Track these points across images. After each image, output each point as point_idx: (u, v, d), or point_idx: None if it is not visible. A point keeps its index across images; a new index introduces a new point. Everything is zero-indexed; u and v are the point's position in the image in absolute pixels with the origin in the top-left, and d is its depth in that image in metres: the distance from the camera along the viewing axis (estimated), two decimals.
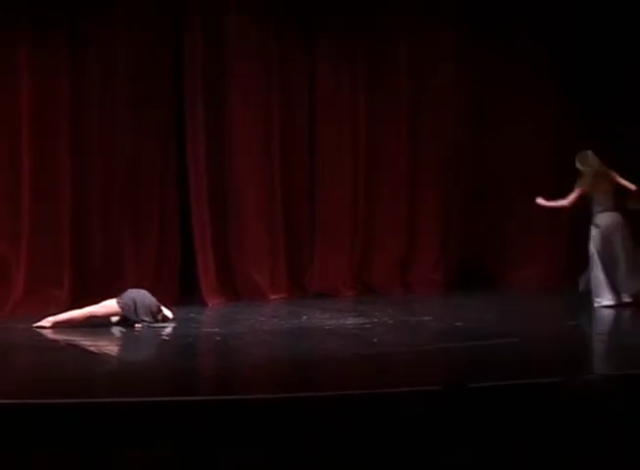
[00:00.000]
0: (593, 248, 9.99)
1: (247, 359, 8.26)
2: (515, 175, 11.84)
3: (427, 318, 9.74)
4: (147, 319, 9.22)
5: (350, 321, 9.50)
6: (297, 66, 11.29)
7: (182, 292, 10.80)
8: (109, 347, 8.92)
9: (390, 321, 9.50)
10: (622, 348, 8.43)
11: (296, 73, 11.29)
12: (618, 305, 9.84)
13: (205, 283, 10.81)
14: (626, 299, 9.91)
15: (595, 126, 11.52)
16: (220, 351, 8.65)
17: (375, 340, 8.58)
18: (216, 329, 9.39)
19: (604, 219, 9.98)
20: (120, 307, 9.24)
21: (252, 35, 11.00)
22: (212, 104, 10.90)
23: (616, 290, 9.91)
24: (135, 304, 9.23)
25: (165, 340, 9.05)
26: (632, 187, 9.91)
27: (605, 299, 9.91)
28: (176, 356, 8.28)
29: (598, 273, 9.96)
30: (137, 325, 9.18)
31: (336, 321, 9.51)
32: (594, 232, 10.01)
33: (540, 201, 10.14)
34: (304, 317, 9.79)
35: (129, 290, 9.45)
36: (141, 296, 9.33)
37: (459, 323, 9.25)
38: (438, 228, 11.75)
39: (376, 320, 9.51)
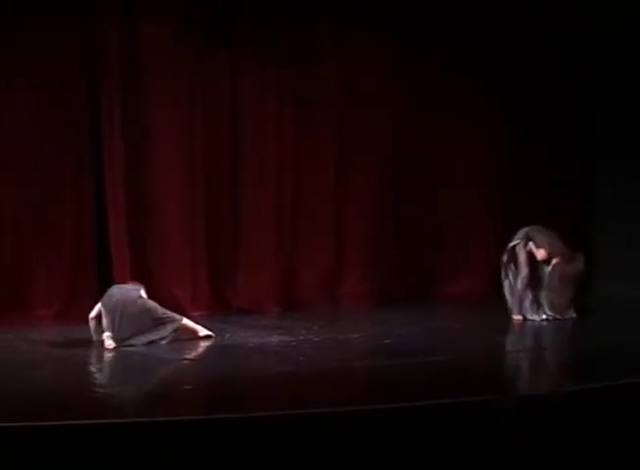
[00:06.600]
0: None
1: (166, 381, 8.18)
2: (444, 192, 12.06)
3: (354, 335, 9.72)
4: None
5: (276, 339, 9.44)
6: (219, 78, 11.19)
7: None
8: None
9: (317, 339, 9.45)
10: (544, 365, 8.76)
11: (219, 86, 11.19)
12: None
13: None
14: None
15: (531, 148, 11.96)
16: (140, 370, 8.48)
17: (301, 358, 8.50)
18: (134, 348, 9.09)
19: None
20: None
21: (171, 49, 10.89)
22: (131, 116, 10.80)
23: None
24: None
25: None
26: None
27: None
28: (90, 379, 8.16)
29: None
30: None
31: (260, 339, 9.43)
32: None
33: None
34: (227, 335, 9.68)
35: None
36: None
37: (387, 340, 9.24)
38: (366, 244, 11.85)
39: (302, 338, 9.46)
